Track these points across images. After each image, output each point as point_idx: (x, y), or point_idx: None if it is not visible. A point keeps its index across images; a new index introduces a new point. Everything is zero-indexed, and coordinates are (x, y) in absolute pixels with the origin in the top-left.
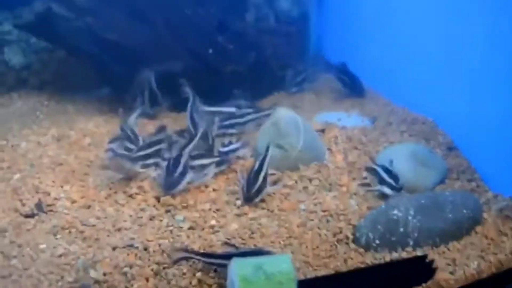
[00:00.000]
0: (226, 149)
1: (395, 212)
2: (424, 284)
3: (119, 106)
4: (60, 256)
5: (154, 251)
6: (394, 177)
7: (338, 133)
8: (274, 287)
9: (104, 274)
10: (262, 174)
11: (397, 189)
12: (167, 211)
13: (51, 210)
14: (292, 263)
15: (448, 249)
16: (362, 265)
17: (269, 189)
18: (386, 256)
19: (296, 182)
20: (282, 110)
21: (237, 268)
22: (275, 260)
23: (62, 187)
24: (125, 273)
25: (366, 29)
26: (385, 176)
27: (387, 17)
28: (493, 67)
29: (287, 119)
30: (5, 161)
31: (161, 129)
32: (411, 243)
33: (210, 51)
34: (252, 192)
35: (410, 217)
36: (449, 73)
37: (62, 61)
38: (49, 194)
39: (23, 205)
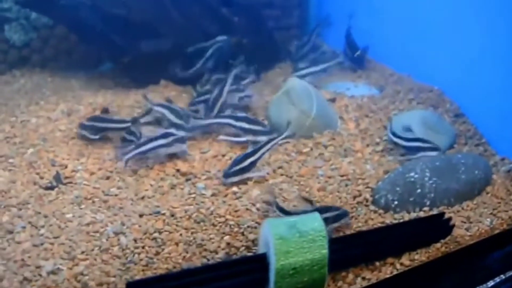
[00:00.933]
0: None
1: (412, 174)
2: (442, 240)
3: (123, 81)
4: (88, 224)
5: (181, 217)
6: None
7: (348, 102)
8: (307, 244)
9: (135, 240)
10: (251, 159)
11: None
12: (187, 180)
13: (70, 182)
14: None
15: (462, 208)
16: (384, 224)
17: (249, 174)
18: (405, 216)
19: (311, 149)
20: (293, 79)
21: (271, 227)
22: (306, 219)
23: (78, 159)
24: (155, 239)
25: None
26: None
27: None
28: (497, 33)
29: (299, 88)
30: (17, 137)
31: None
32: (428, 203)
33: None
34: (232, 170)
35: (426, 179)
36: (454, 42)
37: (63, 38)
38: (66, 167)
39: (41, 178)
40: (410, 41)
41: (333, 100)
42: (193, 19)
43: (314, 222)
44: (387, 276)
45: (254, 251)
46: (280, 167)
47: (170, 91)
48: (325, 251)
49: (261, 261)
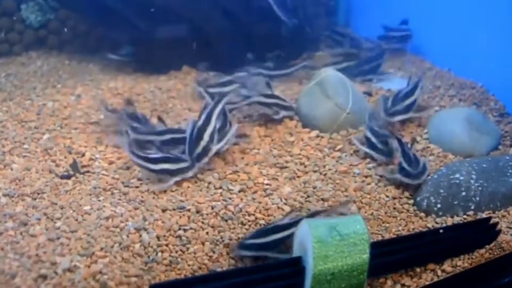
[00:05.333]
0: None
1: (457, 176)
2: (487, 246)
3: (143, 66)
4: (107, 218)
5: (207, 213)
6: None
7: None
8: (348, 248)
9: (158, 238)
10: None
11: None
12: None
13: (88, 171)
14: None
15: (508, 213)
16: (428, 229)
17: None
18: (448, 220)
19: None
20: (327, 70)
21: (310, 229)
22: (348, 221)
23: (96, 147)
24: (179, 237)
25: None
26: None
27: None
28: None
29: (333, 79)
30: (32, 121)
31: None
32: (473, 207)
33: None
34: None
35: (472, 181)
36: (501, 34)
37: (80, 19)
38: (83, 155)
39: (57, 165)
40: (451, 33)
41: (369, 94)
42: (219, 4)
43: (356, 225)
44: (428, 283)
45: (287, 253)
46: (315, 165)
47: (193, 78)
48: (366, 255)
49: (296, 265)
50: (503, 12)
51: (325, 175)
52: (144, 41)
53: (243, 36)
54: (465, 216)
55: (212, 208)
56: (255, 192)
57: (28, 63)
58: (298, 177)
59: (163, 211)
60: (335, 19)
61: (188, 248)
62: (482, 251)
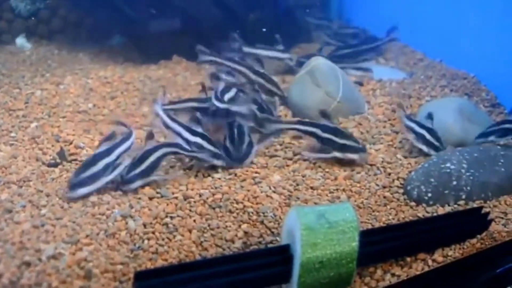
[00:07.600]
0: None
1: (448, 165)
2: (478, 236)
3: (134, 56)
4: (93, 206)
5: (194, 201)
6: (435, 135)
7: (375, 85)
8: (336, 236)
9: (144, 225)
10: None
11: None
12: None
13: (75, 159)
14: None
15: (499, 203)
16: (416, 218)
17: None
18: (438, 210)
19: None
20: (317, 58)
21: (298, 216)
22: (337, 209)
23: (84, 136)
24: (166, 224)
25: None
26: (427, 135)
27: None
28: None
29: (324, 68)
30: (20, 110)
31: None
32: (464, 196)
33: None
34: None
35: (463, 171)
36: (491, 27)
37: (71, 8)
38: (70, 143)
39: (44, 154)
40: (443, 24)
41: (360, 83)
42: None
43: (345, 212)
44: (418, 273)
45: (274, 241)
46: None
47: (183, 68)
48: (355, 243)
49: (284, 253)
50: (494, 3)
51: (314, 163)
52: (135, 30)
53: (235, 25)
54: (456, 206)
55: (200, 196)
56: (243, 180)
57: (17, 52)
58: (288, 165)
59: (150, 198)
60: (328, 11)
61: (174, 236)
62: (474, 241)
